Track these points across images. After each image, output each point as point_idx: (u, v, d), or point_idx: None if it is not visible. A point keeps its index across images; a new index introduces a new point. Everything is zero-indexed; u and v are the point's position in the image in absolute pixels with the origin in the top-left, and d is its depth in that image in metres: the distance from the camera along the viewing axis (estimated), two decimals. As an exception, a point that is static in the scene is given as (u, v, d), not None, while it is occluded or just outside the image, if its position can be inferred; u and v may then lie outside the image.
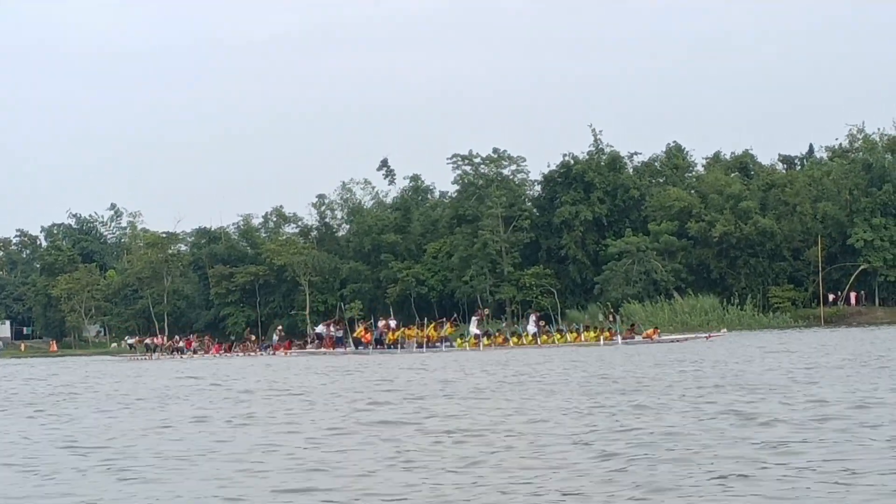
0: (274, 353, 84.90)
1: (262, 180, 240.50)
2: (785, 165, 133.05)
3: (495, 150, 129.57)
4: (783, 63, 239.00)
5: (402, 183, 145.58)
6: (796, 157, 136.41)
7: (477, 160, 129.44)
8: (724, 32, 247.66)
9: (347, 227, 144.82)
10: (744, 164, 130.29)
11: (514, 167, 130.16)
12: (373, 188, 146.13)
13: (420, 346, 75.14)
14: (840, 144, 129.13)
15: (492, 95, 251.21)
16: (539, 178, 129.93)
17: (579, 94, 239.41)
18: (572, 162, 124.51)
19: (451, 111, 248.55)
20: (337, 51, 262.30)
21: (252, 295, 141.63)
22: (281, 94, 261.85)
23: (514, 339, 73.70)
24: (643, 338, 70.78)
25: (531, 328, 76.47)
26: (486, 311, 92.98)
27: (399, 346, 76.82)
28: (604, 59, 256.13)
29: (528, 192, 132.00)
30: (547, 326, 78.70)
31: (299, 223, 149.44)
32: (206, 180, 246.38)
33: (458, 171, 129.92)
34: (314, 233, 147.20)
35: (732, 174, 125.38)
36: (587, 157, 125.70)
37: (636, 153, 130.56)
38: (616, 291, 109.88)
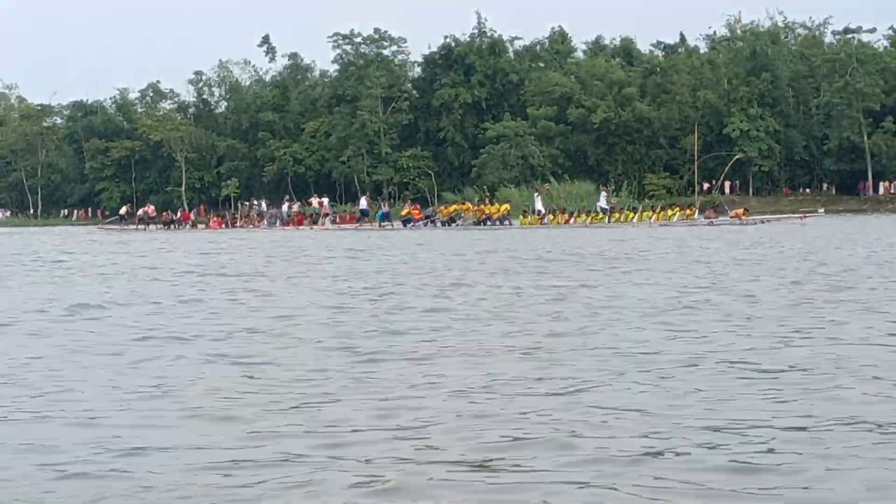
0: (283, 228, 76.73)
1: (140, 56, 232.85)
2: (662, 53, 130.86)
3: (376, 31, 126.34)
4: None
5: (282, 62, 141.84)
6: (670, 45, 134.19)
7: (358, 40, 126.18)
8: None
9: (225, 104, 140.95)
10: (627, 51, 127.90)
11: (394, 48, 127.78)
12: (252, 67, 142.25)
13: (477, 222, 68.62)
14: (714, 32, 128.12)
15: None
16: (420, 60, 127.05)
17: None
18: (453, 44, 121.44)
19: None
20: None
21: (127, 170, 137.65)
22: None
23: (584, 217, 67.82)
24: (731, 217, 65.65)
25: (602, 204, 71.60)
26: (547, 187, 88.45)
27: (452, 222, 70.01)
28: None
29: (408, 73, 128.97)
30: (615, 202, 73.80)
31: (176, 100, 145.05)
32: (82, 53, 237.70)
33: (339, 51, 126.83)
34: (192, 110, 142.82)
35: (615, 60, 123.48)
36: (469, 40, 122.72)
37: (518, 37, 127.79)
38: (493, 175, 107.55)
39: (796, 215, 69.58)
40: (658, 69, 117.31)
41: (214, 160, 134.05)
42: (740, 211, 68.25)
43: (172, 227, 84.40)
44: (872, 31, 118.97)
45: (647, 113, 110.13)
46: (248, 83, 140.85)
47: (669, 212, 68.18)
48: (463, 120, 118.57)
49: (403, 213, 74.95)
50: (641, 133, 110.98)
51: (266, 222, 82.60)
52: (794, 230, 50.71)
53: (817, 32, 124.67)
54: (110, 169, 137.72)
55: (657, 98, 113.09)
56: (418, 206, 76.78)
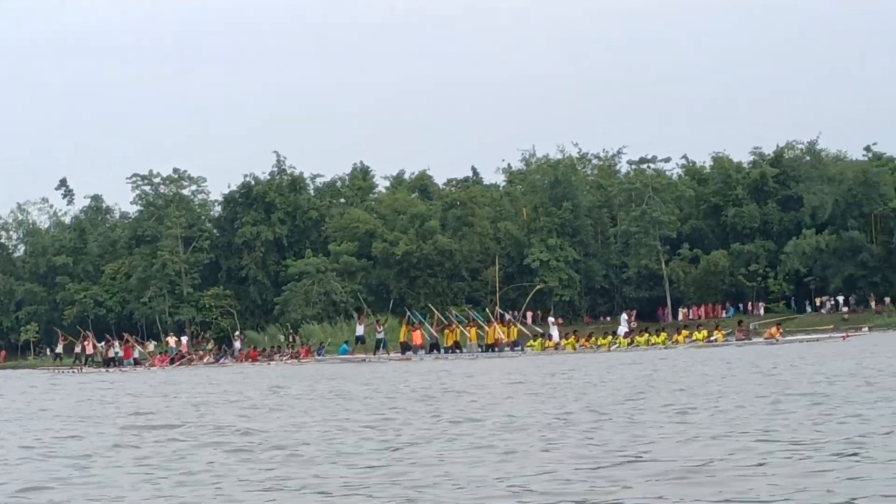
0: (239, 362, 72.58)
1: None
2: (455, 188, 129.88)
3: (175, 170, 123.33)
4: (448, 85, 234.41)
5: (83, 203, 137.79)
6: (463, 179, 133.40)
7: (157, 180, 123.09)
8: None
9: (23, 248, 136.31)
10: (423, 186, 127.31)
11: (194, 187, 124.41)
12: (51, 207, 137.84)
13: (485, 349, 64.57)
14: (510, 165, 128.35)
15: (174, 115, 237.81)
16: (220, 198, 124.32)
17: (268, 116, 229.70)
18: (253, 183, 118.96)
19: (135, 130, 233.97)
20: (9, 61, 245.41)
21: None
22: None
23: (603, 341, 64.05)
24: (766, 338, 60.92)
25: (622, 329, 69.49)
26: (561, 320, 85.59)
27: (456, 349, 64.58)
28: (285, 81, 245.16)
29: (209, 212, 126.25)
30: (635, 325, 71.54)
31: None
32: None
33: (138, 191, 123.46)
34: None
35: (414, 194, 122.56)
36: (269, 178, 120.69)
37: (319, 175, 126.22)
38: (296, 312, 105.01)
39: (838, 334, 65.76)
40: (458, 202, 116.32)
41: (13, 305, 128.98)
42: (774, 330, 64.80)
43: (112, 365, 73.70)
44: (667, 160, 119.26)
45: (449, 245, 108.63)
46: (46, 225, 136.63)
47: (697, 334, 63.03)
48: (265, 258, 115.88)
49: (403, 337, 67.17)
50: (443, 266, 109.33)
51: (213, 358, 78.31)
52: (851, 348, 44.43)
53: (612, 162, 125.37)
54: None
55: (458, 231, 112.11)
56: (419, 331, 67.90)
